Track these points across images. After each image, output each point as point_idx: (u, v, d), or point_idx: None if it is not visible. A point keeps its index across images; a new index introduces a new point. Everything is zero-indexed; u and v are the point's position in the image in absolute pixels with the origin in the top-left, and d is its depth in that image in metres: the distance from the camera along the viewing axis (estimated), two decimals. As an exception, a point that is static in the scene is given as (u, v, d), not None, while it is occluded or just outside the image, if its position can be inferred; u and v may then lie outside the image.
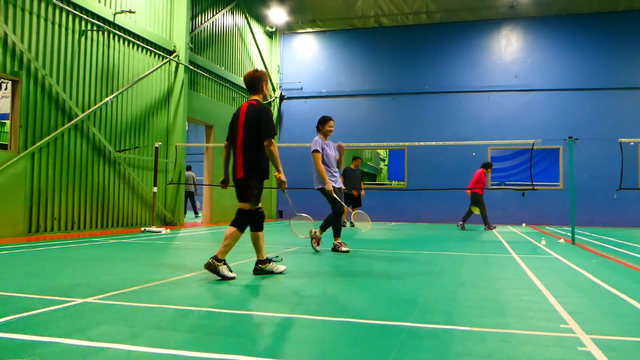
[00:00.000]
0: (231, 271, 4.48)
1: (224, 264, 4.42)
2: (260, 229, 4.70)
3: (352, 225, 13.22)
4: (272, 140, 4.56)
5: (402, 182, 17.34)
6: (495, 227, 12.78)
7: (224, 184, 4.93)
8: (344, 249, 6.84)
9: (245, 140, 4.59)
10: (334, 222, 6.90)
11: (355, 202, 13.05)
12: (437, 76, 16.76)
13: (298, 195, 17.03)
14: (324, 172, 6.70)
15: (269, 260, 4.79)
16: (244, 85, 15.63)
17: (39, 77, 8.33)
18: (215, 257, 4.39)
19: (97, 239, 8.26)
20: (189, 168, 17.53)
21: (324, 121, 7.00)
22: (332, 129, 6.94)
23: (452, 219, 15.99)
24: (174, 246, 7.50)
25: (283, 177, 4.68)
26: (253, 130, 4.57)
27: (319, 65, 17.94)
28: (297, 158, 17.59)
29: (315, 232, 6.91)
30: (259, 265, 4.76)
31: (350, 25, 17.72)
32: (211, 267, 4.37)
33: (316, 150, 6.79)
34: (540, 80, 15.93)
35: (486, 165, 12.66)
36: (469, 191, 12.60)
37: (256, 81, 4.78)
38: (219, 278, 4.40)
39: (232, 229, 4.50)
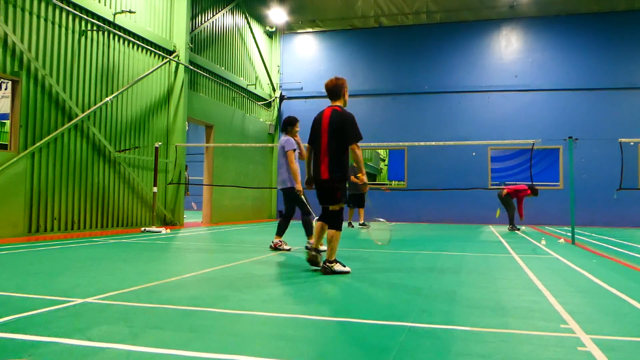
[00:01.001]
0: (344, 266, 4.93)
1: (336, 262, 4.86)
2: (333, 226, 4.99)
3: (352, 226, 13.19)
4: (358, 144, 4.88)
5: (402, 182, 17.34)
6: (519, 229, 12.48)
7: (309, 184, 5.26)
8: (285, 247, 6.99)
9: (330, 144, 4.87)
10: (283, 223, 7.03)
11: (359, 202, 12.97)
12: (437, 76, 16.76)
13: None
14: (297, 172, 6.83)
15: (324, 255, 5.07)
16: (243, 85, 15.79)
17: (39, 77, 8.33)
18: (327, 260, 4.83)
19: (97, 239, 8.26)
20: (185, 168, 17.59)
21: (294, 122, 7.10)
22: (298, 129, 7.11)
23: (452, 219, 16.01)
24: (174, 246, 7.50)
25: (366, 179, 5.02)
26: (338, 134, 4.85)
27: (319, 65, 17.94)
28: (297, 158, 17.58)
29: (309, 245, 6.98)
30: (314, 254, 5.03)
31: (350, 25, 17.72)
32: (327, 270, 4.81)
33: (293, 149, 6.90)
34: (540, 80, 15.93)
35: (534, 192, 12.03)
36: (507, 191, 12.14)
37: (339, 88, 5.04)
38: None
39: (330, 231, 4.87)
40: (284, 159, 6.93)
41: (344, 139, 4.85)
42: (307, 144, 5.25)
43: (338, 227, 4.90)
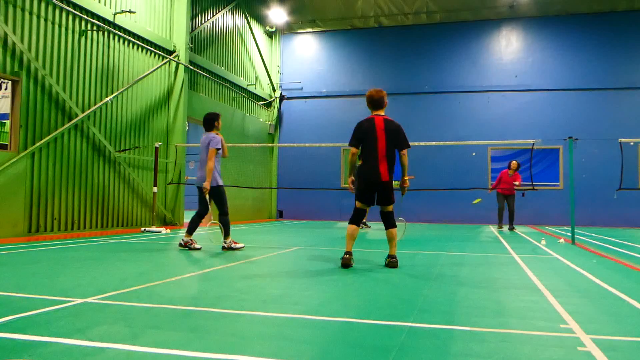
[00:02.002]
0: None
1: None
2: (394, 225, 5.50)
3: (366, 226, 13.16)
4: None
5: (402, 182, 17.32)
6: (502, 228, 12.67)
7: (354, 186, 5.61)
8: (196, 246, 6.84)
9: (388, 149, 5.37)
10: (195, 221, 6.86)
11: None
12: (437, 76, 16.76)
13: (298, 194, 17.03)
14: (212, 172, 6.63)
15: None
16: (243, 85, 15.76)
17: (39, 77, 8.33)
18: (391, 256, 5.37)
19: (97, 239, 8.26)
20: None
21: (219, 117, 6.97)
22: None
23: (452, 219, 16.00)
24: (174, 246, 7.50)
25: (408, 183, 5.65)
26: (393, 141, 5.39)
27: (319, 65, 17.94)
28: (297, 158, 17.61)
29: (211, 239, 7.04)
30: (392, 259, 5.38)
31: (350, 25, 17.72)
32: (394, 264, 5.31)
33: (217, 149, 6.72)
34: (540, 80, 15.93)
35: (516, 166, 12.38)
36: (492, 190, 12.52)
37: (383, 99, 5.55)
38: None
39: (393, 230, 5.42)
40: (206, 155, 6.72)
41: (397, 146, 5.40)
42: (352, 148, 5.48)
43: (395, 225, 5.47)
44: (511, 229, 12.45)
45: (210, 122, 6.91)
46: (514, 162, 12.50)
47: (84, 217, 9.26)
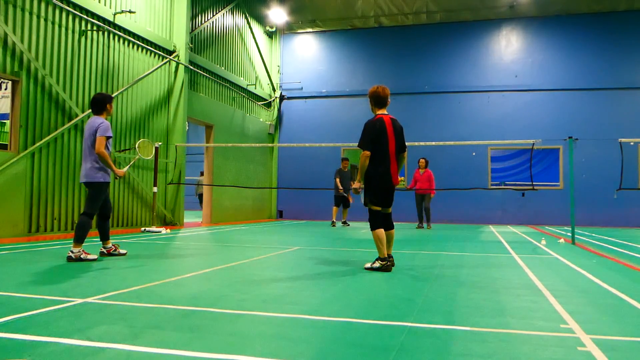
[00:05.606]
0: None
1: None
2: (393, 226, 5.43)
3: (346, 224, 13.42)
4: None
5: (402, 182, 17.32)
6: (422, 227, 12.82)
7: (358, 192, 5.46)
8: (121, 251, 6.13)
9: (397, 151, 5.28)
10: (102, 225, 6.07)
11: (344, 202, 13.42)
12: (437, 76, 16.75)
13: (298, 194, 17.02)
14: (108, 159, 5.73)
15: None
16: (243, 85, 15.75)
17: (39, 77, 8.33)
18: (389, 255, 5.19)
19: (96, 239, 8.25)
20: (201, 174, 18.01)
21: (112, 99, 6.03)
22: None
23: (452, 219, 16.00)
24: (174, 246, 7.50)
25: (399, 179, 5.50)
26: (399, 142, 5.30)
27: (319, 65, 17.94)
28: (297, 158, 17.61)
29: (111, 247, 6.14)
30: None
31: (350, 25, 17.72)
32: (392, 262, 5.15)
33: (108, 137, 5.73)
34: (540, 80, 15.93)
35: (418, 163, 13.04)
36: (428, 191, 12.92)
37: (388, 97, 5.38)
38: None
39: (393, 230, 5.30)
40: (93, 144, 5.70)
41: (401, 147, 5.32)
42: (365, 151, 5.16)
43: (394, 226, 5.39)
44: (427, 227, 12.82)
45: (101, 103, 5.85)
46: (422, 160, 12.98)
47: (84, 217, 9.25)
